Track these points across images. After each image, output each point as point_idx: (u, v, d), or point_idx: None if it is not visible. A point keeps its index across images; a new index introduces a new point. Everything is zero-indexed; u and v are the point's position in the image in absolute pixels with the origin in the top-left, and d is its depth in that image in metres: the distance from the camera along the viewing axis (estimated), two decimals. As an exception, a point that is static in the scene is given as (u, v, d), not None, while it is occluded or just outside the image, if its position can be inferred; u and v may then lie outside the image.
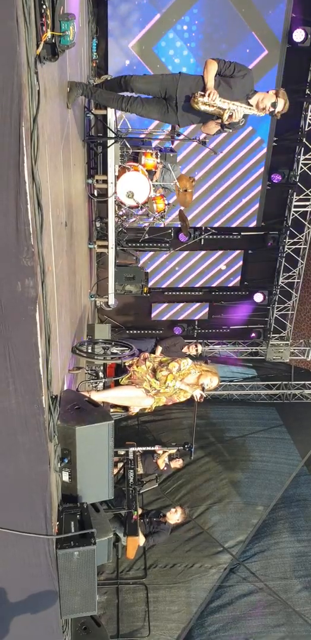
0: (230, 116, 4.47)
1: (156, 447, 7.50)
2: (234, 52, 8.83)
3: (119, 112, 6.48)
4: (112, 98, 4.96)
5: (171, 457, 7.91)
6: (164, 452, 7.68)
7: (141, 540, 6.55)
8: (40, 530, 3.16)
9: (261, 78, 9.00)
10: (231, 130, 4.80)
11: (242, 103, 4.53)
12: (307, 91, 9.39)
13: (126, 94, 4.93)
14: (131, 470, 6.45)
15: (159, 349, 7.47)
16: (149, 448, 7.39)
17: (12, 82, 2.00)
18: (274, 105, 4.53)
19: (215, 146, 9.10)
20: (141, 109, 4.80)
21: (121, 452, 6.84)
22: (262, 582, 7.89)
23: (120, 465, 6.90)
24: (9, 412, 2.79)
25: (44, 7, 2.39)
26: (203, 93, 4.42)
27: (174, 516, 7.22)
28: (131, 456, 6.67)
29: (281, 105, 4.55)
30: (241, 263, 11.09)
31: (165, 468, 7.84)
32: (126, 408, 5.26)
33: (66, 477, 3.51)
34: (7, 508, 3.10)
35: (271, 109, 4.54)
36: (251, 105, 4.58)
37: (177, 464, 8.09)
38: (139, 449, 7.08)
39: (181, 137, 7.52)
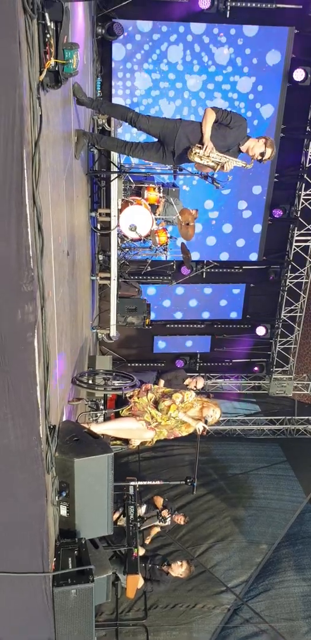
0: (222, 167, 4.85)
1: (158, 482, 7.32)
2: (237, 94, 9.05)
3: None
4: (115, 145, 5.47)
5: (173, 512, 7.60)
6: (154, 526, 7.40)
7: (139, 582, 6.34)
8: (36, 568, 3.04)
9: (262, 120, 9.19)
10: (219, 186, 5.29)
11: (234, 151, 4.92)
12: (308, 128, 9.55)
13: (128, 140, 5.42)
14: (132, 507, 6.29)
15: (162, 382, 7.38)
16: (150, 482, 7.22)
17: (13, 104, 2.00)
18: (262, 154, 4.91)
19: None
20: (141, 154, 5.23)
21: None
22: (267, 623, 7.62)
23: (117, 515, 6.69)
24: (7, 449, 2.71)
25: (48, 35, 2.43)
26: (200, 146, 4.76)
27: (179, 569, 6.94)
28: (131, 491, 6.51)
29: (269, 153, 4.93)
30: (243, 296, 11.10)
31: (169, 517, 7.53)
32: (126, 441, 5.15)
33: (63, 511, 3.40)
34: (3, 545, 2.99)
35: (259, 157, 4.93)
36: (242, 152, 4.96)
37: (180, 520, 7.72)
38: (140, 483, 6.91)
39: (184, 171, 7.60)
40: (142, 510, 7.21)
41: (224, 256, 10.55)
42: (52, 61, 2.50)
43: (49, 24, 2.46)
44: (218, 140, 4.82)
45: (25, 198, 2.19)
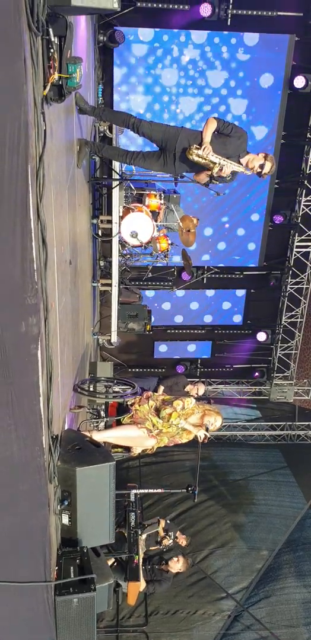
0: (220, 169, 4.88)
1: (159, 490, 7.28)
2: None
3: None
4: (117, 153, 5.55)
5: (174, 536, 7.50)
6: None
7: (141, 585, 6.33)
8: (38, 577, 3.04)
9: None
10: (218, 184, 5.23)
11: (233, 161, 4.95)
12: (308, 135, 9.59)
13: (129, 149, 5.48)
14: (132, 513, 6.29)
15: (162, 388, 7.37)
16: (151, 490, 7.20)
17: (19, 120, 2.03)
18: (262, 167, 4.97)
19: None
20: (142, 163, 5.29)
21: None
22: (268, 630, 7.60)
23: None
24: (10, 460, 2.72)
25: (52, 50, 2.45)
26: (198, 146, 4.82)
27: (176, 565, 6.95)
28: (132, 498, 6.51)
29: (268, 167, 4.99)
30: (244, 302, 11.12)
31: (170, 543, 7.45)
32: (127, 448, 5.17)
33: (65, 519, 3.41)
34: (5, 554, 3.00)
35: (259, 170, 4.98)
36: (241, 164, 5.01)
37: (183, 542, 7.61)
38: (141, 491, 6.91)
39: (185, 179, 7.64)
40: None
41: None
42: (56, 75, 2.52)
43: (53, 39, 2.49)
44: (218, 147, 4.88)
45: (30, 212, 2.21)
